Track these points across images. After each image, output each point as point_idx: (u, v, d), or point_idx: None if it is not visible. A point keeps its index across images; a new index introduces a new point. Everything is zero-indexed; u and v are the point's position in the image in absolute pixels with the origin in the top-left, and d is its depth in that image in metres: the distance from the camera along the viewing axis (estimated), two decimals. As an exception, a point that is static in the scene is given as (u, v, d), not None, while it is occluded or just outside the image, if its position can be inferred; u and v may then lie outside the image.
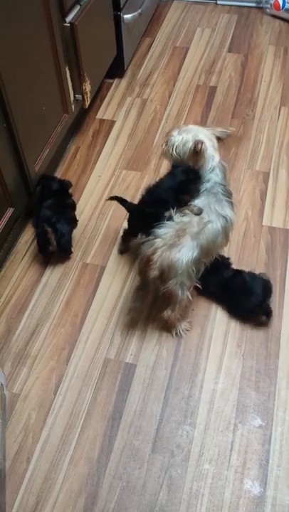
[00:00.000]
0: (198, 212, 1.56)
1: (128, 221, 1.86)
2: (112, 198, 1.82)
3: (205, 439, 1.49)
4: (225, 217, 1.59)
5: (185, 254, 1.50)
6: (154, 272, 1.50)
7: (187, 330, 1.71)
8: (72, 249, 1.93)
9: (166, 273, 1.51)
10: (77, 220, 2.00)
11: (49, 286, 1.86)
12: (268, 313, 1.69)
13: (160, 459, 1.46)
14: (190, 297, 1.60)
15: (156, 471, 1.45)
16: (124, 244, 1.93)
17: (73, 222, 1.97)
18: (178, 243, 1.50)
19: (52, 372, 1.65)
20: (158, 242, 1.52)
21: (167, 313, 1.64)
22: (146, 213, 1.68)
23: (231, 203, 1.63)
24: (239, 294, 1.70)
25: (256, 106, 2.48)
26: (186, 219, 1.55)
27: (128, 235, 1.88)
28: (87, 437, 1.51)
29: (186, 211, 1.57)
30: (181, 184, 1.61)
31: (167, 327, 1.71)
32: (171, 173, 1.67)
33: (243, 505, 1.38)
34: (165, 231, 1.54)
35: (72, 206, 2.00)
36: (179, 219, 1.56)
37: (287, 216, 2.01)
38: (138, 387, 1.61)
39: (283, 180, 2.15)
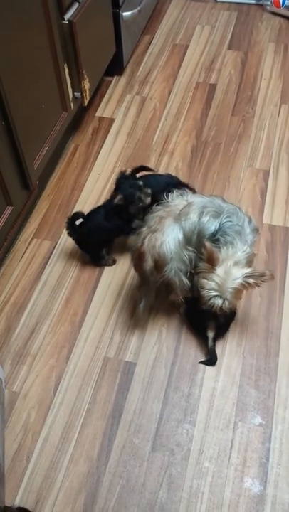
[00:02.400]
0: None
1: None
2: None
3: (205, 437, 1.49)
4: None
5: (170, 235, 1.47)
6: (148, 264, 1.49)
7: None
8: None
9: (159, 260, 1.49)
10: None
11: (48, 284, 1.86)
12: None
13: (160, 458, 1.46)
14: (188, 283, 1.57)
15: (156, 469, 1.45)
16: None
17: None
18: (161, 227, 1.48)
19: (51, 371, 1.65)
20: (144, 231, 1.51)
21: (172, 297, 1.66)
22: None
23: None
24: None
25: (256, 103, 2.48)
26: (175, 202, 1.53)
27: None
28: (87, 436, 1.51)
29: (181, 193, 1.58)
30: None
31: (174, 307, 1.73)
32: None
33: (243, 503, 1.38)
34: (151, 217, 1.53)
35: None
36: (169, 202, 1.55)
37: (287, 214, 2.01)
38: (138, 385, 1.60)
39: (283, 178, 2.14)
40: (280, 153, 2.24)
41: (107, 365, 1.65)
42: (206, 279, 1.46)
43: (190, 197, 1.55)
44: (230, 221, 1.50)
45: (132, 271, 1.86)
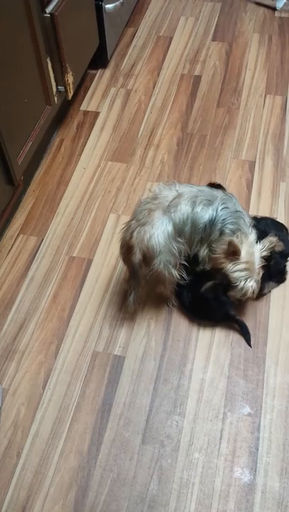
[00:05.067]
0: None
1: None
2: None
3: (194, 428, 1.50)
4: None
5: (159, 228, 1.46)
6: (136, 257, 1.48)
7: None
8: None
9: (147, 254, 1.48)
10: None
11: (35, 280, 1.85)
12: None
13: (150, 450, 1.47)
14: (177, 275, 1.58)
15: (146, 461, 1.45)
16: None
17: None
18: (150, 220, 1.47)
19: (40, 367, 1.64)
20: (133, 224, 1.50)
21: (160, 289, 1.67)
22: None
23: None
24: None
25: (241, 94, 2.47)
26: (164, 193, 1.52)
27: None
28: (77, 430, 1.51)
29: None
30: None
31: (162, 300, 1.74)
32: None
33: (233, 493, 1.39)
34: (140, 210, 1.52)
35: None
36: (158, 193, 1.53)
37: (274, 205, 2.01)
38: (127, 379, 1.60)
39: (269, 168, 2.14)
40: (265, 144, 2.24)
41: (96, 360, 1.65)
42: (236, 268, 1.52)
43: (179, 187, 1.55)
44: (227, 207, 1.52)
45: (120, 265, 1.86)
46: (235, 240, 1.47)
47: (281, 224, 1.88)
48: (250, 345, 1.65)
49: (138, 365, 1.63)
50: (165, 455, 1.46)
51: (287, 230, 1.86)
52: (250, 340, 1.65)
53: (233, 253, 1.49)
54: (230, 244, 1.47)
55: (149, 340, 1.69)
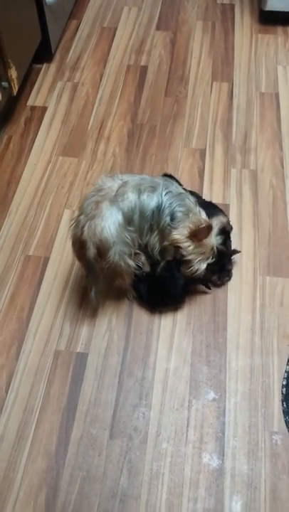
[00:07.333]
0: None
1: None
2: None
3: (161, 418, 1.50)
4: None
5: (109, 219, 1.45)
6: (91, 252, 1.47)
7: None
8: None
9: (101, 247, 1.47)
10: None
11: (-9, 282, 1.81)
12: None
13: (118, 444, 1.46)
14: (134, 265, 1.58)
15: (115, 456, 1.45)
16: None
17: None
18: (99, 212, 1.46)
19: (2, 370, 1.61)
20: (82, 219, 1.48)
21: (118, 283, 1.67)
22: None
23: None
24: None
25: (188, 83, 2.48)
26: (107, 184, 1.51)
27: None
28: (44, 431, 1.49)
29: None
30: None
31: (122, 293, 1.74)
32: None
33: (203, 479, 1.41)
34: (86, 204, 1.50)
35: None
36: (101, 185, 1.52)
37: (226, 191, 2.03)
38: (91, 375, 1.59)
39: (219, 156, 2.16)
40: (214, 132, 2.26)
41: (59, 359, 1.63)
42: (195, 250, 1.55)
43: (122, 177, 1.55)
44: (170, 191, 1.53)
45: (77, 262, 1.84)
46: (210, 222, 1.52)
47: (216, 206, 1.87)
48: (209, 287, 1.73)
49: (101, 360, 1.62)
50: (134, 448, 1.46)
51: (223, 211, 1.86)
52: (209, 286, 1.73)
53: (199, 234, 1.51)
54: (205, 227, 1.50)
55: (111, 335, 1.68)
